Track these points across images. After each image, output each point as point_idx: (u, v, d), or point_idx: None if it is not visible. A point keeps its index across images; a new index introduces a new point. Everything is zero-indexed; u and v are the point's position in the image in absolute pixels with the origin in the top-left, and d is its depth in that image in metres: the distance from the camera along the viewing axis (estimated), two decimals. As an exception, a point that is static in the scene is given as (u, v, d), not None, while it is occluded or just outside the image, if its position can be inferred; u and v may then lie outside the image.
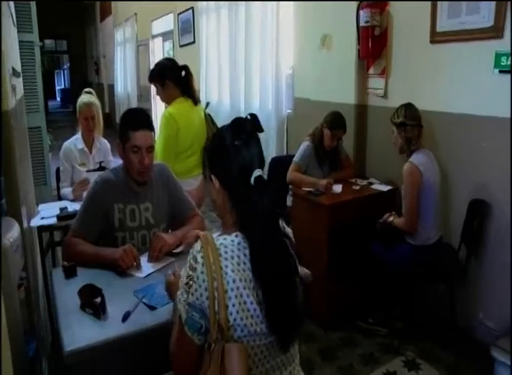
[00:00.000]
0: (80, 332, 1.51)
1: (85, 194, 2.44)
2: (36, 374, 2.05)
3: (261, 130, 1.35)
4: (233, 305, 1.19)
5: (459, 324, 2.93)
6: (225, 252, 1.22)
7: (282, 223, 1.39)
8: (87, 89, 3.72)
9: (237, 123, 1.34)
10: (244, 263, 1.22)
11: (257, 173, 1.25)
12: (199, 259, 1.21)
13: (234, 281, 1.19)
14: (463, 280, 2.90)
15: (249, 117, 1.36)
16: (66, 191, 3.39)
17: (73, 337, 1.48)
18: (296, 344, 1.38)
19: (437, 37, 3.04)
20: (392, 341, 3.04)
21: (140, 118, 2.15)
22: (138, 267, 1.96)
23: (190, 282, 1.20)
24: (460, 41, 2.90)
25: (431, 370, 2.78)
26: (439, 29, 3.01)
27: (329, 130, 3.40)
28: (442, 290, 2.97)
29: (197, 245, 1.24)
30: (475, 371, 2.74)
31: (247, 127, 1.32)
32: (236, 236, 1.25)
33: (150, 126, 2.14)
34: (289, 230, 1.41)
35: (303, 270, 1.41)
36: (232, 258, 1.22)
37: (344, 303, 3.24)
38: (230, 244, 1.23)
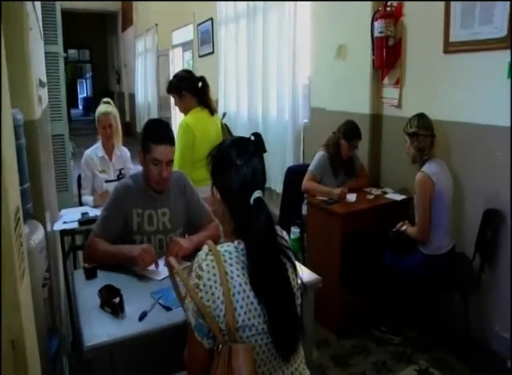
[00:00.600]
0: (100, 329, 1.58)
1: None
2: (57, 370, 2.13)
3: (264, 151, 1.41)
4: (241, 307, 1.25)
5: (474, 335, 2.92)
6: (230, 258, 1.29)
7: (281, 233, 1.45)
8: (105, 99, 3.84)
9: (240, 142, 1.40)
10: (248, 268, 1.28)
11: (256, 194, 1.32)
12: (204, 267, 1.27)
13: (240, 285, 1.26)
14: (477, 290, 2.88)
15: (252, 137, 1.41)
16: (87, 198, 3.51)
17: (93, 333, 1.55)
18: (300, 342, 1.41)
19: (450, 48, 3.05)
20: (406, 349, 3.04)
21: (162, 132, 2.22)
22: (156, 266, 2.03)
23: (196, 290, 1.26)
24: (473, 51, 2.91)
25: (444, 380, 2.78)
26: (452, 39, 3.02)
27: (346, 141, 3.44)
28: (457, 299, 2.97)
29: (202, 254, 1.31)
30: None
31: (249, 148, 1.37)
32: (239, 243, 1.33)
33: (171, 141, 2.22)
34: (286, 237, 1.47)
35: (312, 276, 1.45)
36: (237, 263, 1.29)
37: (357, 311, 3.25)
38: (234, 251, 1.30)
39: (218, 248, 1.31)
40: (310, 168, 3.57)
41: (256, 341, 1.27)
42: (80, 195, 3.71)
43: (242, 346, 1.24)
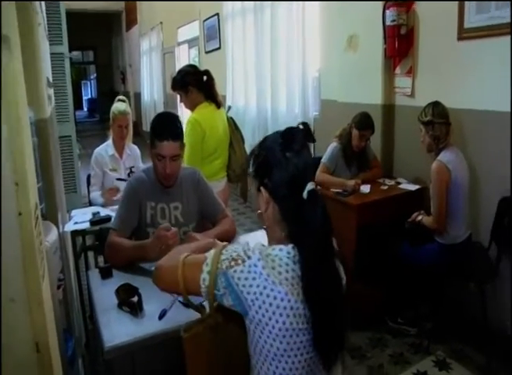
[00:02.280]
0: (119, 329, 1.56)
1: (119, 196, 2.52)
2: (74, 373, 2.11)
3: (314, 140, 1.31)
4: (286, 315, 1.16)
5: (491, 325, 2.87)
6: (280, 265, 1.18)
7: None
8: (120, 97, 3.78)
9: (289, 133, 1.29)
10: (299, 277, 1.18)
11: (310, 186, 1.21)
12: (257, 255, 1.19)
13: (286, 294, 1.16)
14: (494, 279, 2.85)
15: (301, 126, 1.31)
16: (96, 194, 3.48)
17: (112, 334, 1.53)
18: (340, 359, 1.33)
19: (465, 34, 2.99)
20: (422, 340, 3.03)
21: (167, 128, 2.20)
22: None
23: (239, 261, 1.19)
24: (489, 37, 2.84)
25: (462, 370, 2.75)
26: (466, 25, 2.96)
27: (358, 130, 3.41)
28: (473, 289, 2.94)
29: (254, 259, 1.19)
30: (507, 372, 2.70)
31: (298, 138, 1.27)
32: (293, 248, 1.20)
33: (176, 137, 2.19)
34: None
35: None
36: (287, 272, 1.17)
37: (373, 303, 3.23)
38: (285, 256, 1.19)
39: (270, 250, 1.21)
40: (323, 160, 3.55)
41: (289, 357, 1.19)
42: (88, 193, 3.67)
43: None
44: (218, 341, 1.32)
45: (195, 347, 1.30)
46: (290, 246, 1.20)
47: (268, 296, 1.15)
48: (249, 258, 1.19)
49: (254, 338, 1.22)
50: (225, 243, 1.40)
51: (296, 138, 1.27)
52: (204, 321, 1.32)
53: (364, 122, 3.41)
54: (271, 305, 1.15)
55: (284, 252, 1.19)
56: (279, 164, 1.23)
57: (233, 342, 1.33)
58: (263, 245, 1.26)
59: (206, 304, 1.35)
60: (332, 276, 1.25)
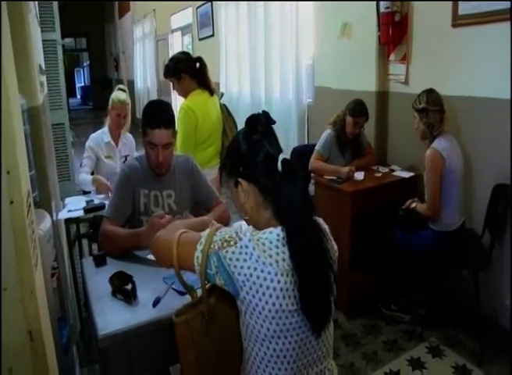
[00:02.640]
0: (113, 317, 1.56)
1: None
2: (69, 361, 2.12)
3: (274, 122, 1.35)
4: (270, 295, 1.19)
5: (484, 311, 2.89)
6: (270, 248, 1.20)
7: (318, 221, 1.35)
8: (121, 86, 3.74)
9: (252, 118, 1.35)
10: (289, 259, 1.20)
11: (282, 157, 1.26)
12: (248, 236, 1.22)
13: (276, 274, 1.18)
14: (487, 266, 2.86)
15: (261, 111, 1.36)
16: (85, 178, 3.41)
17: (106, 322, 1.53)
18: (331, 339, 1.37)
19: (459, 21, 2.97)
20: (416, 327, 3.05)
21: (158, 116, 2.18)
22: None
23: (232, 242, 1.22)
24: (484, 24, 2.82)
25: (455, 356, 2.78)
26: (461, 12, 2.95)
27: (352, 117, 3.40)
28: (467, 276, 2.96)
29: (245, 241, 1.22)
30: (500, 358, 2.73)
31: (261, 120, 1.32)
32: (282, 230, 1.23)
33: (168, 125, 2.16)
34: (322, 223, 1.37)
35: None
36: (277, 254, 1.19)
37: (367, 290, 3.25)
38: (275, 239, 1.21)
39: (260, 234, 1.24)
40: (317, 147, 3.54)
41: (279, 338, 1.22)
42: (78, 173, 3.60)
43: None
44: (210, 326, 1.34)
45: (187, 331, 1.32)
46: (279, 228, 1.23)
47: (258, 277, 1.18)
48: (240, 239, 1.22)
49: (245, 320, 1.25)
50: (219, 225, 1.42)
51: (259, 121, 1.33)
52: (197, 306, 1.35)
53: (358, 109, 3.40)
54: (261, 286, 1.18)
55: (274, 235, 1.22)
56: (250, 148, 1.30)
57: (226, 326, 1.36)
58: (249, 239, 1.26)
59: (199, 291, 1.36)
60: (317, 249, 1.26)
